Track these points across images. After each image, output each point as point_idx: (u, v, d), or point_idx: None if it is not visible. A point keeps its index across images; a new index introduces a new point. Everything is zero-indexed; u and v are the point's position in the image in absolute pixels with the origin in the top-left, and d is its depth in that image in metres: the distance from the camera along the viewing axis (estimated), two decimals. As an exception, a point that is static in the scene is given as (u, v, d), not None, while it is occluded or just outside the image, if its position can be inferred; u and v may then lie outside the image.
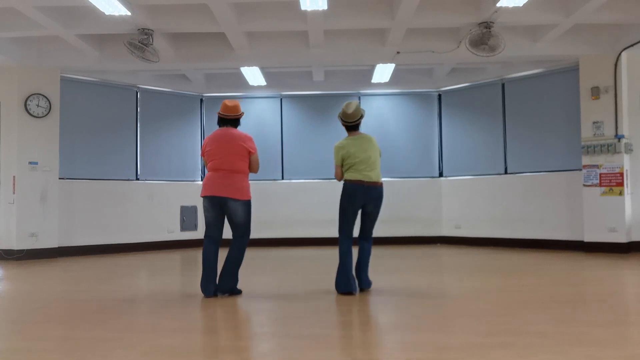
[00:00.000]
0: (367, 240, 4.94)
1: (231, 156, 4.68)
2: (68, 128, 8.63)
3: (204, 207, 4.77)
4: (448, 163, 10.04)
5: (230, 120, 4.84)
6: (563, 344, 3.08)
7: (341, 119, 4.94)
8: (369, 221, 4.89)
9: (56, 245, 8.33)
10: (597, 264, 6.77)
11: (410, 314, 4.07)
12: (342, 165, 4.86)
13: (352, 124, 4.93)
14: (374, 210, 4.85)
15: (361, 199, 4.76)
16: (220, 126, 4.88)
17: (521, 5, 6.53)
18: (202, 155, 4.88)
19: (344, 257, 4.76)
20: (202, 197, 4.76)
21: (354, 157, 4.77)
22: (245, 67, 8.85)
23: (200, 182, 10.16)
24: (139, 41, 7.12)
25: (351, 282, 4.74)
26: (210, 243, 4.76)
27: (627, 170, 7.83)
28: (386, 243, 9.20)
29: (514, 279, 5.68)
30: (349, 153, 4.79)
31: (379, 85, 9.99)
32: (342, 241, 4.81)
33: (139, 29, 7.12)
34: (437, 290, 5.08)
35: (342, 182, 4.87)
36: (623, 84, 7.88)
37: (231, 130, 4.81)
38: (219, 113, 4.89)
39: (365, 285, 4.88)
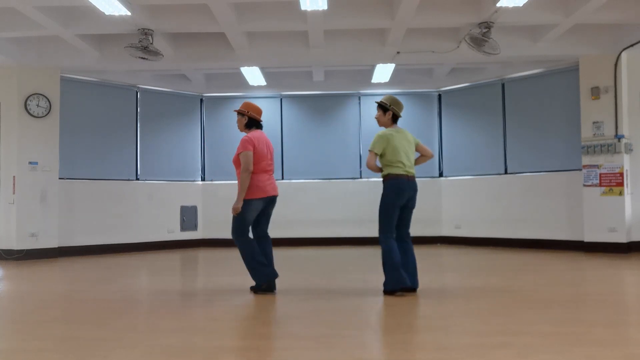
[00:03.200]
0: (409, 241, 4.88)
1: (272, 159, 5.11)
2: (68, 128, 8.63)
3: (256, 206, 4.88)
4: (448, 163, 10.04)
5: (260, 123, 5.20)
6: (563, 344, 3.08)
7: (393, 109, 4.88)
8: (409, 214, 4.86)
9: (56, 245, 8.33)
10: (597, 264, 6.77)
11: (411, 314, 4.07)
12: (380, 156, 4.78)
13: (398, 116, 4.95)
14: (414, 204, 4.86)
15: (406, 193, 4.74)
16: (255, 127, 5.15)
17: (521, 5, 6.53)
18: (254, 152, 4.87)
19: (394, 253, 4.62)
20: (265, 196, 4.90)
21: (396, 150, 4.73)
22: (245, 67, 8.85)
23: (200, 182, 10.23)
24: (139, 41, 7.11)
25: (408, 277, 4.67)
26: (258, 239, 5.05)
27: (627, 170, 7.83)
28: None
29: (514, 279, 5.68)
30: (393, 146, 4.73)
31: (379, 85, 9.98)
32: (388, 239, 4.70)
33: (139, 29, 7.12)
34: (437, 290, 5.08)
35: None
36: (623, 84, 7.88)
37: (264, 133, 5.20)
38: (252, 115, 5.07)
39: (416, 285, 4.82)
